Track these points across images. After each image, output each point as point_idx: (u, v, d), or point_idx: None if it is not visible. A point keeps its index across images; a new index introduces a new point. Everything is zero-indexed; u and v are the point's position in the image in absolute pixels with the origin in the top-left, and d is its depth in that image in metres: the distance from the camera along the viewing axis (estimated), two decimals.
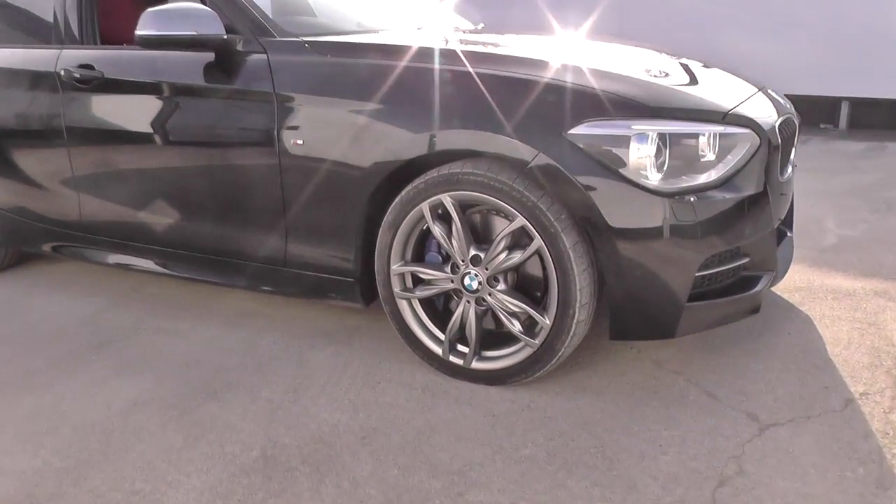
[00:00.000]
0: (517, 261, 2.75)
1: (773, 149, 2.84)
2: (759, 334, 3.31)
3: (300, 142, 3.01)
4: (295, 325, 3.55)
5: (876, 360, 3.07)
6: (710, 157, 2.66)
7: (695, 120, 2.68)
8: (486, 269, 2.81)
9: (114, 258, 3.83)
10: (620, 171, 2.58)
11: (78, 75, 3.55)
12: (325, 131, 2.98)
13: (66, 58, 3.64)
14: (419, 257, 3.03)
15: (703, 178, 2.65)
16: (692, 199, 2.62)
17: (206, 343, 3.40)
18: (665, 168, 2.60)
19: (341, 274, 3.14)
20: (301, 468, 2.48)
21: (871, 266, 4.14)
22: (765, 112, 2.97)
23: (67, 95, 3.61)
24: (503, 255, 2.78)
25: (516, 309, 2.81)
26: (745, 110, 2.83)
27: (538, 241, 2.68)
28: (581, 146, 2.59)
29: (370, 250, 3.09)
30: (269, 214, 3.19)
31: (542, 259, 2.79)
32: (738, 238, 2.76)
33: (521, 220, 2.69)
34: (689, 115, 2.68)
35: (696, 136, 2.64)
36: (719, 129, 2.68)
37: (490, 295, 2.84)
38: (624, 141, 2.58)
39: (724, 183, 2.68)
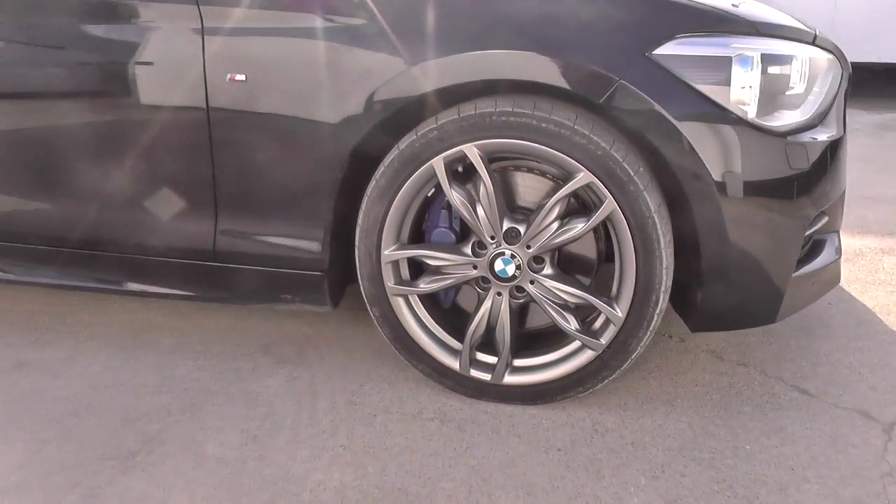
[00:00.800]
0: (578, 232, 1.98)
1: (850, 82, 2.25)
2: None
3: (241, 77, 2.06)
4: (218, 339, 2.59)
5: None
6: (800, 87, 2.02)
7: (790, 39, 2.02)
8: (529, 248, 2.02)
9: None
10: (723, 104, 1.89)
11: None
12: (281, 59, 2.05)
13: None
14: (417, 237, 2.18)
15: (798, 115, 2.01)
16: (806, 143, 1.97)
17: (96, 378, 2.36)
18: (758, 101, 1.94)
19: (301, 266, 2.22)
20: None
21: (861, 223, 3.73)
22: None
23: None
24: (554, 227, 2.00)
25: (573, 300, 2.04)
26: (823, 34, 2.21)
27: (610, 204, 1.92)
28: (672, 70, 1.86)
29: (342, 231, 2.21)
30: (190, 186, 2.22)
31: (605, 230, 2.05)
32: (835, 190, 2.16)
33: (586, 176, 1.92)
34: (785, 34, 2.01)
35: (790, 59, 1.98)
36: (811, 52, 2.04)
37: (532, 283, 2.05)
38: (725, 64, 1.88)
39: (819, 122, 2.06)
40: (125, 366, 2.43)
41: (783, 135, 1.95)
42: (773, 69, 1.95)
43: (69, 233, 2.37)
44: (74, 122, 2.25)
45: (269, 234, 2.22)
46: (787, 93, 2.00)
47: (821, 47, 2.09)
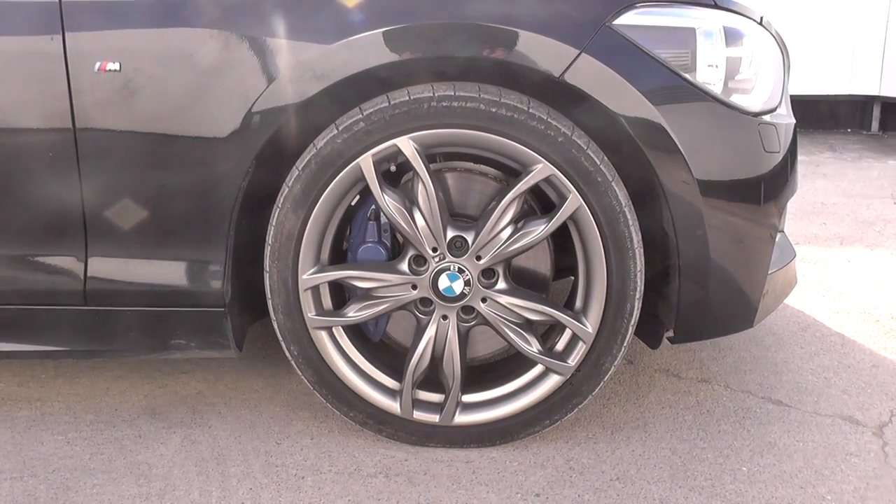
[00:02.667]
0: (538, 236, 1.68)
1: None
2: None
3: (113, 66, 1.65)
4: (89, 407, 2.08)
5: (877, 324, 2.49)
6: (752, 68, 1.84)
7: (744, 16, 1.83)
8: (479, 259, 1.70)
9: None
10: (692, 80, 1.67)
11: None
12: (162, 43, 1.66)
13: None
14: (337, 256, 1.82)
15: (759, 97, 1.82)
16: (776, 124, 1.79)
17: None
18: (724, 77, 1.74)
19: (196, 302, 1.80)
20: None
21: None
22: None
23: None
24: (508, 231, 1.69)
25: (535, 317, 1.73)
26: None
27: (575, 199, 1.64)
28: (635, 41, 1.62)
29: (245, 255, 1.82)
30: (50, 210, 1.75)
31: (556, 236, 1.77)
32: (797, 180, 1.98)
33: (545, 168, 1.63)
34: (738, 9, 1.82)
35: (742, 36, 1.80)
36: (761, 32, 1.86)
37: (485, 301, 1.73)
38: (689, 36, 1.67)
39: (777, 105, 1.88)
40: None
41: (755, 115, 1.75)
42: (732, 45, 1.75)
43: None
44: None
45: (154, 263, 1.79)
46: (739, 74, 1.81)
47: (766, 29, 1.92)
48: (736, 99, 1.75)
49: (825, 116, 7.18)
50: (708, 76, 1.71)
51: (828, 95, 7.02)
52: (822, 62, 6.78)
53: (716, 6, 1.75)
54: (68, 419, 2.04)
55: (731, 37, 1.75)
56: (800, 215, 3.91)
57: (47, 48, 1.66)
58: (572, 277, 1.90)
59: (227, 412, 2.03)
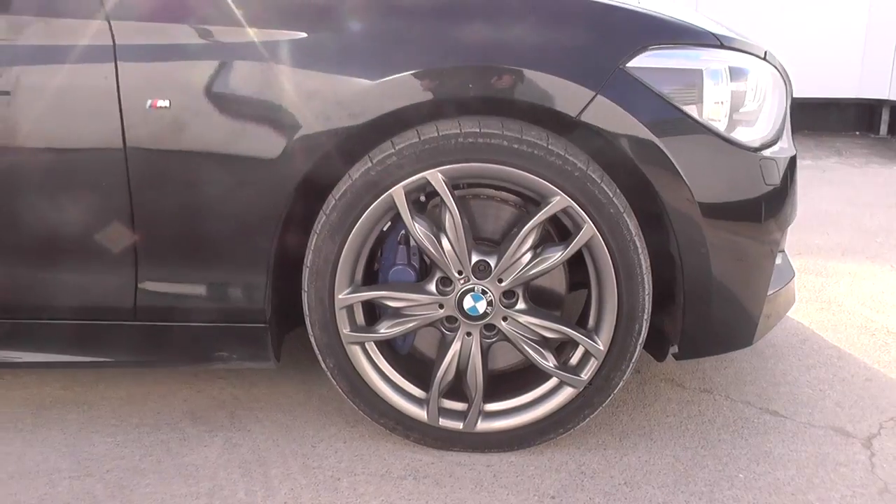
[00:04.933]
0: (555, 262, 1.84)
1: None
2: None
3: (163, 103, 1.81)
4: (133, 410, 2.24)
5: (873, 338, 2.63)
6: (755, 103, 1.98)
7: (748, 53, 1.97)
8: (501, 282, 1.86)
9: None
10: (697, 118, 1.82)
11: None
12: (210, 82, 1.82)
13: None
14: (369, 275, 1.98)
15: (760, 131, 1.96)
16: (776, 158, 1.93)
17: None
18: (729, 115, 1.89)
19: (240, 318, 1.97)
20: None
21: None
22: None
23: None
24: (528, 257, 1.85)
25: (551, 335, 1.89)
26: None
27: (590, 228, 1.80)
28: (647, 83, 1.77)
29: (282, 274, 1.98)
30: (104, 232, 1.92)
31: (583, 258, 1.91)
32: (796, 207, 2.12)
33: (562, 200, 1.79)
34: (743, 47, 1.96)
35: (747, 73, 1.94)
36: (764, 66, 2.00)
37: (505, 320, 1.89)
38: (696, 77, 1.82)
39: (778, 138, 2.02)
40: (29, 450, 2.06)
41: (756, 150, 1.89)
42: (737, 83, 1.90)
43: None
44: None
45: (199, 285, 1.95)
46: (744, 108, 1.95)
47: (770, 63, 2.06)
48: (739, 132, 1.89)
49: (833, 119, 7.29)
50: (713, 112, 1.85)
51: (836, 98, 7.12)
52: (831, 65, 6.87)
53: (721, 46, 1.90)
54: (115, 422, 2.20)
55: (735, 74, 1.90)
56: (803, 225, 4.03)
57: (102, 86, 1.82)
58: (585, 290, 2.04)
59: (263, 416, 2.19)
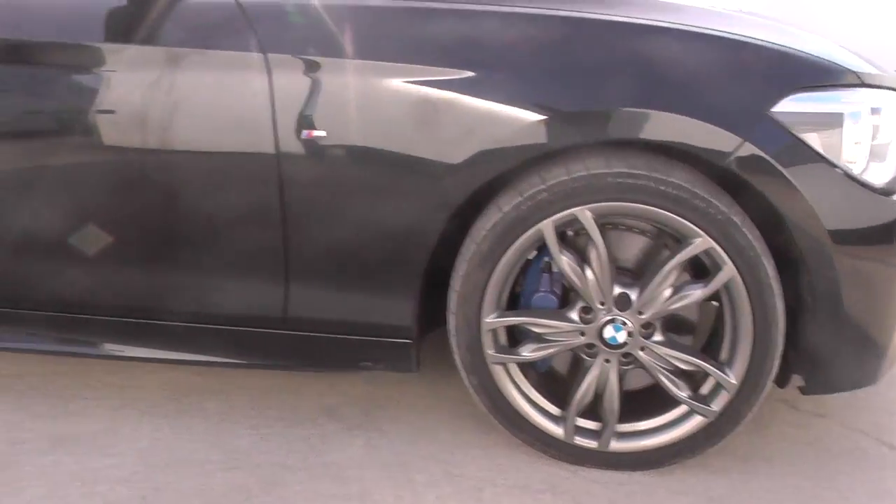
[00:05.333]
0: (694, 299, 1.92)
1: None
2: None
3: (319, 133, 1.93)
4: (271, 403, 2.41)
5: None
6: (887, 135, 2.00)
7: (886, 88, 2.00)
8: (641, 314, 1.95)
9: None
10: (836, 161, 1.86)
11: None
12: (366, 114, 1.93)
13: None
14: (512, 300, 2.08)
15: (893, 162, 1.99)
16: None
17: (148, 454, 2.15)
18: (867, 156, 1.92)
19: (385, 334, 2.10)
20: None
21: None
22: None
23: None
24: (668, 292, 1.93)
25: (686, 367, 1.98)
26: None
27: (730, 270, 1.87)
28: (790, 128, 1.82)
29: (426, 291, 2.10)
30: (257, 250, 2.07)
31: (719, 297, 1.98)
32: None
33: (705, 241, 1.86)
34: (882, 83, 1.99)
35: (881, 110, 1.96)
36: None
37: (643, 349, 1.98)
38: (836, 120, 1.86)
39: None
40: (177, 438, 2.24)
41: (888, 192, 1.93)
42: (873, 117, 1.92)
43: (124, 300, 2.19)
44: (132, 184, 2.08)
45: (347, 299, 2.09)
46: (876, 140, 1.97)
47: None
48: (872, 168, 1.92)
49: None
50: (851, 154, 1.89)
51: None
52: None
53: (862, 84, 1.93)
54: (254, 413, 2.36)
55: (874, 114, 1.93)
56: None
57: (260, 118, 1.95)
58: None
59: (397, 416, 2.33)
